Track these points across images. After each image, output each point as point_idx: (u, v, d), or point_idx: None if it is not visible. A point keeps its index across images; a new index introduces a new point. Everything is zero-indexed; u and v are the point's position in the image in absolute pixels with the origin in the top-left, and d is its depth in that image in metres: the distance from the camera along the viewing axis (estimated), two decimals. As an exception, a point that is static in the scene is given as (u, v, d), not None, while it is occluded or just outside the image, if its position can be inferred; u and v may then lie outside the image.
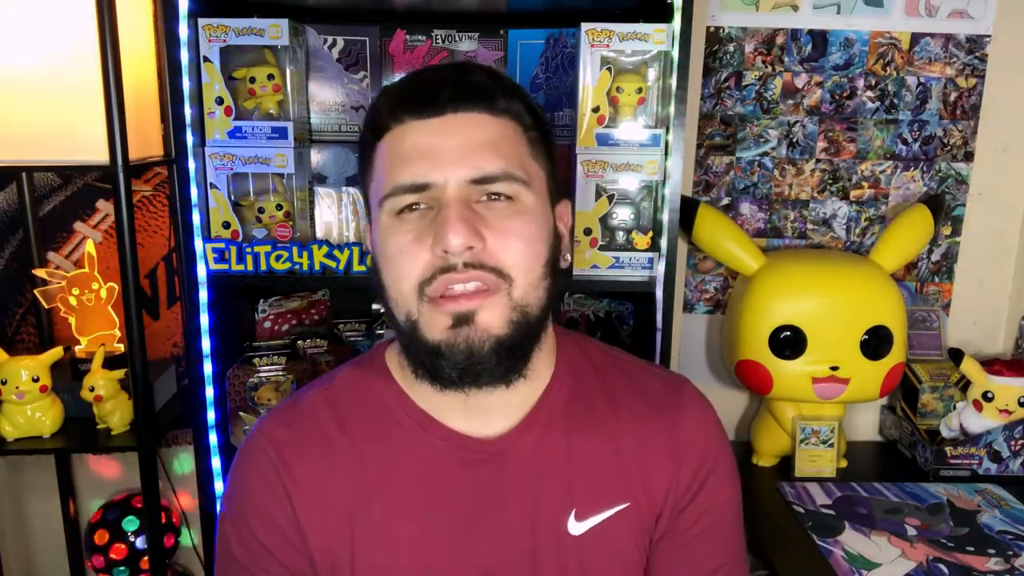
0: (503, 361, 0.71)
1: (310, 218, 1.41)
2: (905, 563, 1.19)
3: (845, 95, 1.57)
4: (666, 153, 1.23)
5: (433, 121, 0.71)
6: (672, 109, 1.20)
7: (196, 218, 1.23)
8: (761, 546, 1.26)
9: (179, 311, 1.60)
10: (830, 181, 1.61)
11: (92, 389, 1.36)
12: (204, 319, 1.26)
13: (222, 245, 1.25)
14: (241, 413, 1.37)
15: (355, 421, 0.80)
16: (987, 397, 1.44)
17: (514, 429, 0.78)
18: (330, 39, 1.42)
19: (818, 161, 1.60)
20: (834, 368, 1.41)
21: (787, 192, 1.61)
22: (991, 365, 1.45)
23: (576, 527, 0.78)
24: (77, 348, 1.48)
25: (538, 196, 0.74)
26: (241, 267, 1.26)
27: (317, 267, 1.27)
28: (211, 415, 1.28)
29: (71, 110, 1.23)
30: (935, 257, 1.65)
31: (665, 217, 1.22)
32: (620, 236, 1.31)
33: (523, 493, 0.77)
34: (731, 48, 1.55)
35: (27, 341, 1.59)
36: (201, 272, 1.25)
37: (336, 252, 1.26)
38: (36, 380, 1.35)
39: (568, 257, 0.82)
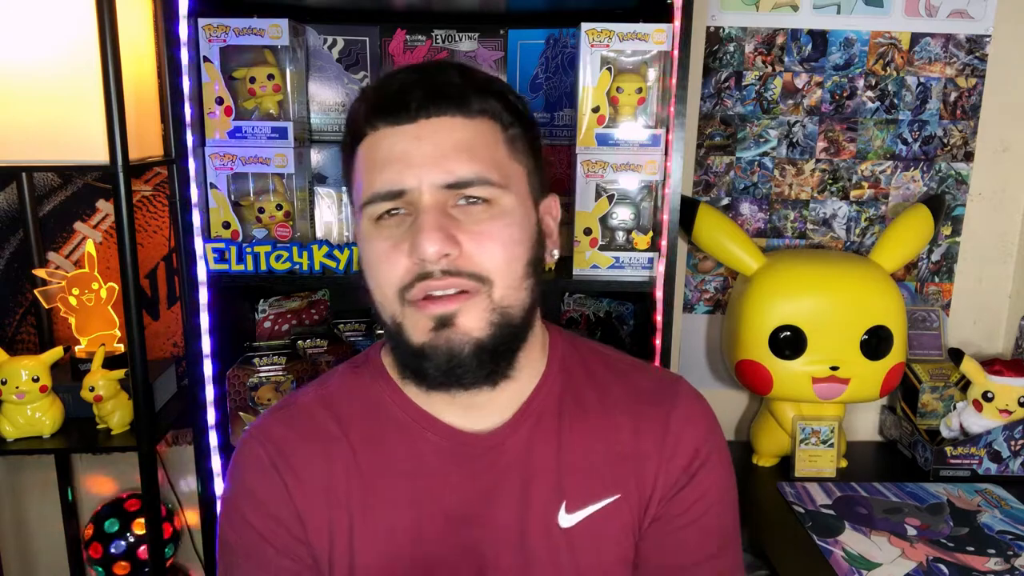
0: (485, 364, 0.72)
1: (310, 218, 1.41)
2: (905, 563, 1.19)
3: (845, 95, 1.57)
4: (666, 153, 1.23)
5: (406, 127, 0.71)
6: (672, 109, 1.20)
7: (196, 218, 1.23)
8: (761, 546, 1.26)
9: (179, 311, 1.60)
10: (830, 181, 1.61)
11: (92, 389, 1.36)
12: (204, 319, 1.26)
13: (222, 245, 1.25)
14: (241, 413, 1.37)
15: (351, 418, 0.81)
16: (987, 397, 1.44)
17: (506, 424, 0.79)
18: (330, 39, 1.43)
19: (818, 161, 1.60)
20: (834, 368, 1.41)
21: (787, 192, 1.61)
22: (991, 365, 1.45)
23: (567, 519, 0.78)
24: (77, 348, 1.48)
25: (517, 197, 0.74)
26: (241, 267, 1.26)
27: (317, 267, 1.27)
28: (211, 415, 1.28)
29: (71, 110, 1.23)
30: (935, 257, 1.65)
31: (665, 217, 1.22)
32: (620, 236, 1.31)
33: (515, 487, 0.78)
34: (731, 48, 1.55)
35: (27, 341, 1.59)
36: (201, 272, 1.25)
37: (336, 252, 1.26)
38: (36, 380, 1.35)
39: (556, 253, 0.82)
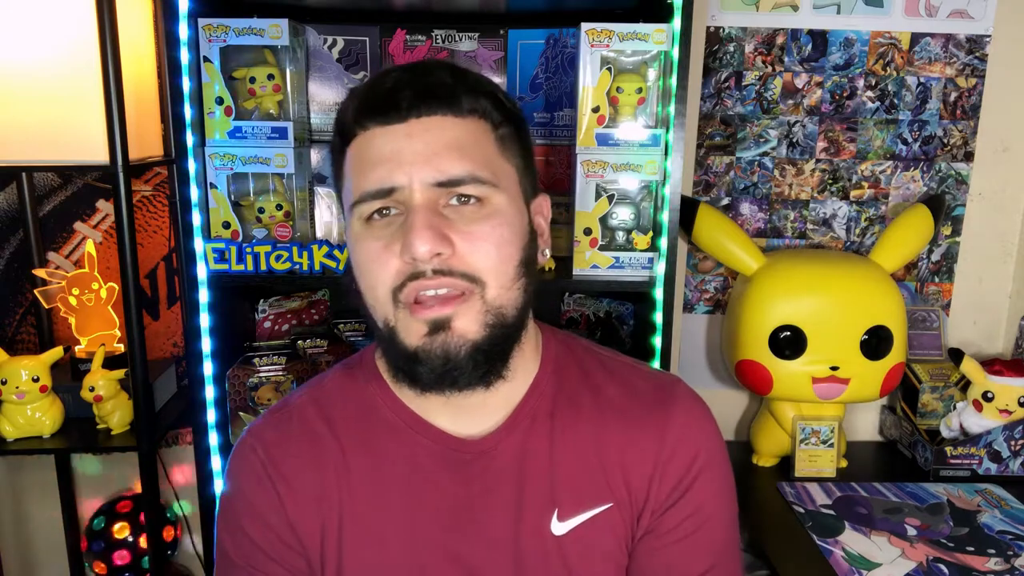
0: (480, 365, 0.71)
1: (310, 218, 1.41)
2: (905, 563, 1.19)
3: (845, 95, 1.57)
4: (666, 153, 1.23)
5: (397, 127, 0.71)
6: (672, 109, 1.20)
7: (196, 218, 1.23)
8: (761, 546, 1.26)
9: (179, 311, 1.60)
10: (830, 181, 1.61)
11: (92, 389, 1.36)
12: (204, 319, 1.26)
13: (222, 245, 1.25)
14: (241, 413, 1.37)
15: (343, 421, 0.81)
16: (987, 397, 1.44)
17: (499, 429, 0.79)
18: (330, 39, 1.42)
19: (818, 161, 1.60)
20: (834, 368, 1.41)
21: (787, 192, 1.61)
22: (991, 365, 1.45)
23: (559, 527, 0.78)
24: (77, 348, 1.48)
25: (509, 196, 0.73)
26: (241, 267, 1.26)
27: (317, 267, 1.27)
28: (211, 415, 1.28)
29: (71, 110, 1.23)
30: (935, 257, 1.65)
31: (665, 217, 1.22)
32: (620, 236, 1.31)
33: (507, 493, 0.78)
34: (731, 48, 1.55)
35: (27, 341, 1.59)
36: (201, 272, 1.25)
37: (336, 252, 1.26)
38: (36, 380, 1.35)
39: (547, 252, 0.81)
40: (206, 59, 1.23)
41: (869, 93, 1.57)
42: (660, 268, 1.25)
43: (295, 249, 1.26)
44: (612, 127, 1.25)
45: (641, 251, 1.28)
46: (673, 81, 1.19)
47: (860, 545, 1.23)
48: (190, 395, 1.29)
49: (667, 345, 1.26)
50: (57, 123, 1.24)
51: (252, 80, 1.27)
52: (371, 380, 0.82)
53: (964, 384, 1.50)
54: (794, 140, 1.59)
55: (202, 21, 1.22)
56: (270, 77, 1.27)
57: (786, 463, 1.52)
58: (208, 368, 1.27)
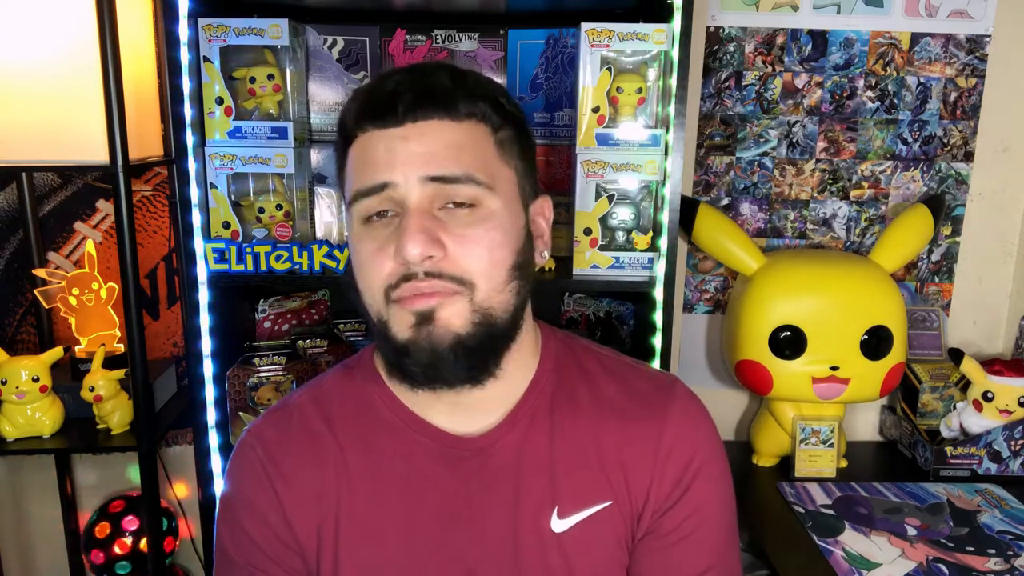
0: (463, 360, 0.72)
1: (310, 218, 1.41)
2: (905, 563, 1.19)
3: (845, 95, 1.57)
4: (666, 153, 1.23)
5: (393, 131, 0.72)
6: (672, 109, 1.20)
7: (196, 218, 1.23)
8: (761, 546, 1.26)
9: (179, 311, 1.60)
10: (830, 181, 1.61)
11: (92, 389, 1.36)
12: (204, 319, 1.26)
13: (222, 245, 1.25)
14: (241, 413, 1.37)
15: (341, 420, 0.81)
16: (987, 397, 1.44)
17: (497, 426, 0.79)
18: (330, 39, 1.43)
19: (818, 161, 1.60)
20: (834, 368, 1.41)
21: (787, 192, 1.61)
22: (991, 365, 1.45)
23: (559, 524, 0.78)
24: (77, 348, 1.48)
25: (504, 200, 0.74)
26: (241, 267, 1.26)
27: (317, 267, 1.27)
28: (211, 415, 1.28)
29: (71, 110, 1.23)
30: (935, 257, 1.65)
31: (665, 217, 1.22)
32: (620, 236, 1.31)
33: (506, 490, 0.78)
34: (731, 48, 1.55)
35: (27, 341, 1.59)
36: (201, 272, 1.25)
37: (336, 252, 1.26)
38: (36, 380, 1.35)
39: (546, 254, 0.82)
40: (206, 59, 1.23)
41: (869, 93, 1.57)
42: (660, 268, 1.25)
43: (295, 249, 1.26)
44: (612, 127, 1.25)
45: (641, 251, 1.28)
46: (673, 81, 1.19)
47: (860, 545, 1.23)
48: (190, 395, 1.29)
49: (667, 345, 1.26)
50: (57, 123, 1.24)
51: (252, 80, 1.27)
52: (369, 380, 0.83)
53: (964, 384, 1.50)
54: (794, 140, 1.59)
55: (202, 21, 1.22)
56: (270, 77, 1.28)
57: (786, 463, 1.52)
58: (208, 368, 1.27)
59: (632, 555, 0.81)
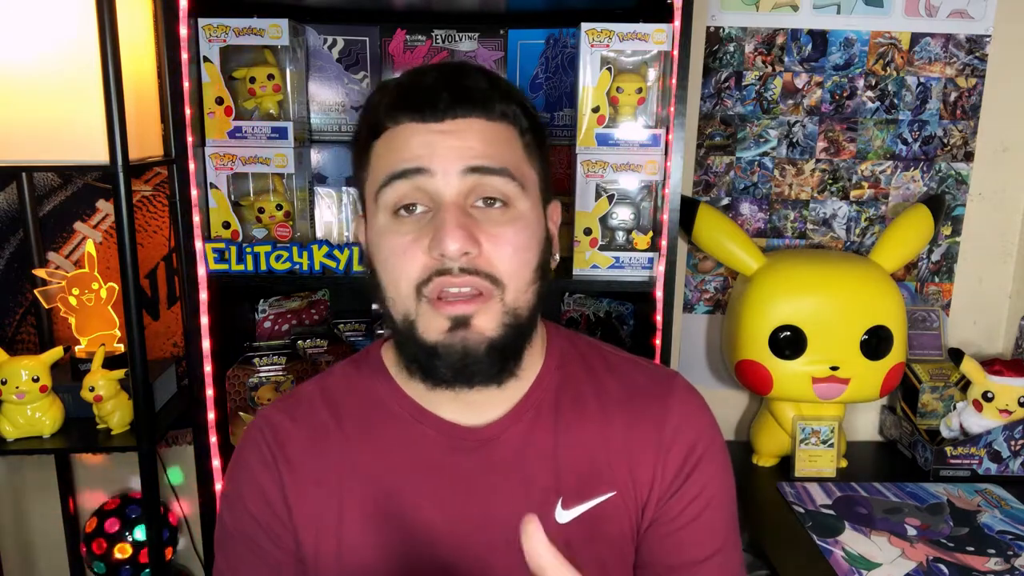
0: (496, 362, 0.73)
1: (310, 218, 1.41)
2: (905, 563, 1.19)
3: (845, 95, 1.57)
4: (666, 153, 1.23)
5: (432, 124, 0.73)
6: (672, 109, 1.20)
7: (196, 218, 1.23)
8: (761, 546, 1.26)
9: (179, 311, 1.60)
10: (830, 181, 1.61)
11: (92, 389, 1.36)
12: (204, 319, 1.26)
13: (222, 245, 1.25)
14: (241, 413, 1.37)
15: (348, 410, 0.82)
16: (987, 397, 1.44)
17: (503, 418, 0.80)
18: (330, 39, 1.43)
19: (818, 161, 1.60)
20: (834, 368, 1.41)
21: (787, 192, 1.61)
22: (991, 365, 1.45)
23: (563, 515, 0.79)
24: (77, 348, 1.48)
25: (532, 201, 0.76)
26: (241, 267, 1.26)
27: (317, 267, 1.27)
28: (211, 415, 1.28)
29: (71, 110, 1.23)
30: (935, 257, 1.65)
31: (665, 217, 1.22)
32: (620, 236, 1.31)
33: (511, 481, 0.79)
34: (731, 48, 1.55)
35: (27, 341, 1.59)
36: (201, 272, 1.25)
37: (336, 252, 1.26)
38: (36, 380, 1.35)
39: (557, 257, 0.84)
40: (206, 59, 1.23)
41: (869, 93, 1.57)
42: (660, 268, 1.25)
43: (295, 249, 1.26)
44: (612, 127, 1.25)
45: (641, 251, 1.28)
46: (673, 81, 1.19)
47: (860, 545, 1.23)
48: (190, 395, 1.29)
49: (667, 345, 1.26)
50: (57, 123, 1.24)
51: (252, 80, 1.27)
52: (377, 374, 0.84)
53: (964, 384, 1.50)
54: (794, 140, 1.59)
55: (202, 21, 1.22)
56: (270, 77, 1.27)
57: (786, 463, 1.52)
58: (208, 368, 1.27)
59: (639, 547, 0.82)
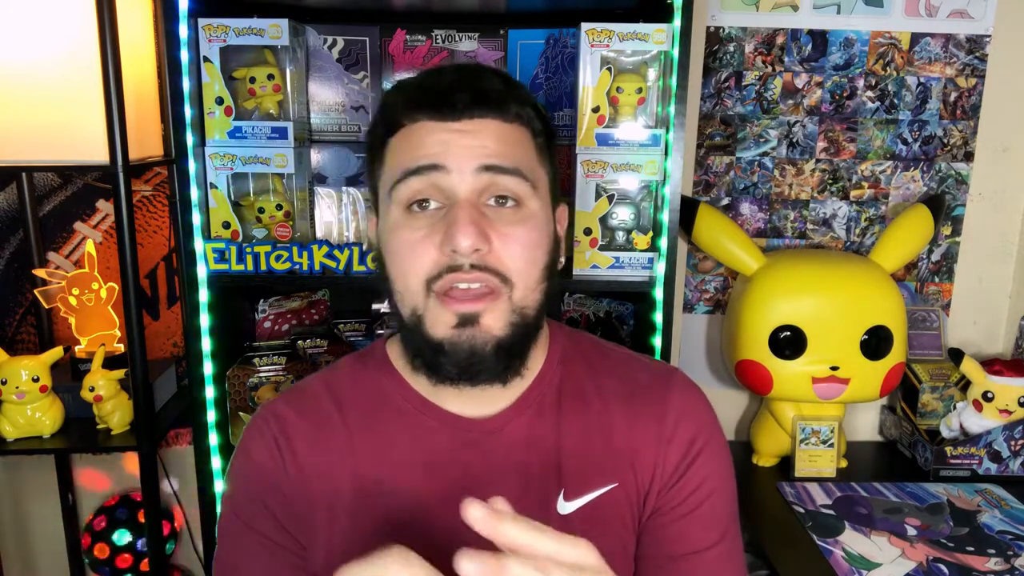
0: (502, 361, 0.74)
1: (310, 218, 1.41)
2: (905, 563, 1.19)
3: (845, 95, 1.57)
4: (666, 153, 1.23)
5: (449, 123, 0.74)
6: (672, 109, 1.20)
7: (196, 218, 1.23)
8: (761, 546, 1.26)
9: (179, 311, 1.60)
10: (830, 181, 1.61)
11: (92, 389, 1.36)
12: (204, 319, 1.26)
13: (222, 245, 1.25)
14: (241, 413, 1.37)
15: (352, 405, 0.83)
16: (987, 397, 1.44)
17: (506, 411, 0.81)
18: (330, 39, 1.42)
19: (818, 161, 1.60)
20: (834, 368, 1.41)
21: (787, 192, 1.61)
22: (991, 365, 1.45)
23: (565, 506, 0.79)
24: (77, 348, 1.48)
25: (542, 201, 0.77)
26: (241, 267, 1.26)
27: (317, 267, 1.27)
28: (211, 415, 1.28)
29: (71, 110, 1.23)
30: (935, 257, 1.65)
31: (665, 217, 1.22)
32: (620, 236, 1.31)
33: (514, 473, 0.79)
34: (731, 48, 1.55)
35: (27, 341, 1.59)
36: (201, 272, 1.25)
37: (336, 252, 1.26)
38: (36, 380, 1.35)
39: (562, 260, 0.85)
40: (206, 59, 1.23)
41: (869, 93, 1.57)
42: (660, 268, 1.25)
43: (295, 249, 1.26)
44: (612, 127, 1.25)
45: (641, 251, 1.28)
46: (673, 81, 1.19)
47: (860, 545, 1.23)
48: (190, 395, 1.29)
49: (667, 345, 1.26)
50: (57, 123, 1.24)
51: (252, 80, 1.27)
52: (382, 368, 0.84)
53: (964, 384, 1.50)
54: (794, 140, 1.59)
55: (202, 21, 1.22)
56: (270, 77, 1.28)
57: (786, 463, 1.52)
58: (208, 368, 1.27)
59: (640, 537, 0.82)
